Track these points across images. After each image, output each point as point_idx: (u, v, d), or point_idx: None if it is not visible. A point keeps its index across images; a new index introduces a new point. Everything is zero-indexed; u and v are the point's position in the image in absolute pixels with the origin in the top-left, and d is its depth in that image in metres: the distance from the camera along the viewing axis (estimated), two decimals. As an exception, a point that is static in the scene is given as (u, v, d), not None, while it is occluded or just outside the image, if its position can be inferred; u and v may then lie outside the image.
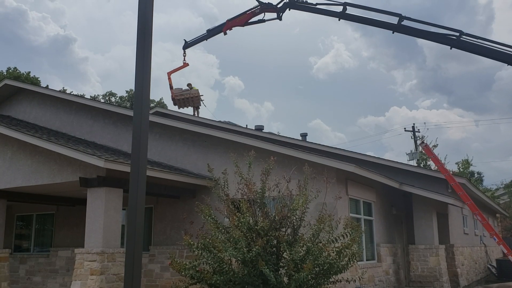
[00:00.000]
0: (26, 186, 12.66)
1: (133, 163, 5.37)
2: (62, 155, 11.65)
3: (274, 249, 7.60)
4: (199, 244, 7.61)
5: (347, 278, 7.83)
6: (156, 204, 14.54)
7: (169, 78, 19.41)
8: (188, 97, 19.01)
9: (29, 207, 17.45)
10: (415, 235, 15.88)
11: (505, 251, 16.57)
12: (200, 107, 19.51)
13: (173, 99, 19.10)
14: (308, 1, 16.93)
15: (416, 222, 15.88)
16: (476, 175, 51.29)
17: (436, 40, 14.73)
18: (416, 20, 14.80)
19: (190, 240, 7.69)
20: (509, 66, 13.56)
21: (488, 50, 13.77)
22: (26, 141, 12.29)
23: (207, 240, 7.59)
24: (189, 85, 19.62)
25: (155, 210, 14.61)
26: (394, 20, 14.99)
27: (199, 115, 19.25)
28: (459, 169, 41.11)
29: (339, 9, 16.11)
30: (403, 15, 14.75)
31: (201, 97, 19.40)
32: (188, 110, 19.59)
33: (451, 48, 14.36)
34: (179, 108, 19.35)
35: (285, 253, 7.48)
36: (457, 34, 14.06)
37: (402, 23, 14.85)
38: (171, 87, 19.24)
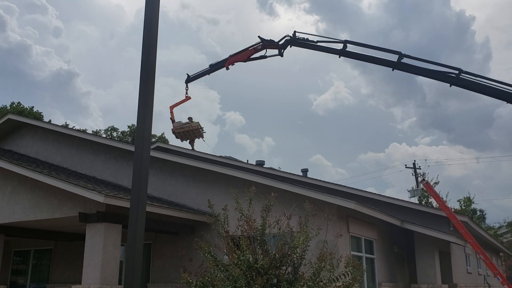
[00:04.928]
0: (25, 220, 12.58)
1: (133, 199, 5.34)
2: (62, 190, 11.62)
3: (274, 288, 7.47)
4: (198, 283, 7.49)
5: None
6: (155, 240, 14.39)
7: (172, 112, 19.59)
8: (189, 130, 19.13)
9: (27, 242, 17.27)
10: (417, 274, 15.60)
11: (510, 291, 16.24)
12: (195, 140, 19.55)
13: (173, 132, 19.24)
14: (309, 39, 17.24)
15: (418, 261, 15.64)
16: (478, 213, 50.69)
17: (436, 77, 14.89)
18: (415, 58, 14.99)
19: (189, 278, 7.57)
20: (508, 103, 13.66)
21: (487, 88, 13.90)
22: (27, 176, 12.29)
23: (206, 278, 7.47)
24: (189, 118, 19.77)
25: (153, 247, 14.44)
26: (393, 57, 15.20)
27: (194, 148, 19.29)
28: (461, 206, 40.75)
29: (339, 46, 16.38)
30: (402, 53, 14.96)
31: (202, 129, 19.50)
32: (189, 145, 19.64)
33: (450, 86, 14.50)
34: (182, 141, 19.46)
35: (285, 292, 7.34)
36: (457, 72, 14.22)
37: (402, 60, 15.04)
38: (173, 121, 19.40)
